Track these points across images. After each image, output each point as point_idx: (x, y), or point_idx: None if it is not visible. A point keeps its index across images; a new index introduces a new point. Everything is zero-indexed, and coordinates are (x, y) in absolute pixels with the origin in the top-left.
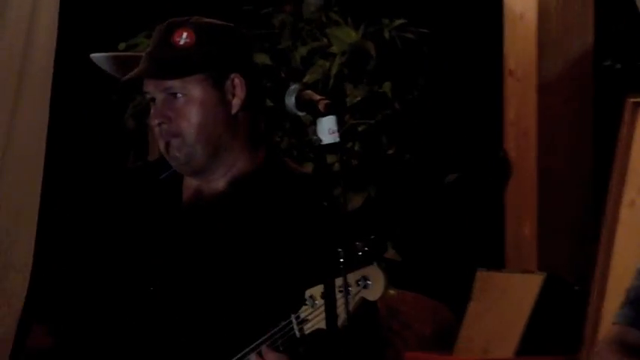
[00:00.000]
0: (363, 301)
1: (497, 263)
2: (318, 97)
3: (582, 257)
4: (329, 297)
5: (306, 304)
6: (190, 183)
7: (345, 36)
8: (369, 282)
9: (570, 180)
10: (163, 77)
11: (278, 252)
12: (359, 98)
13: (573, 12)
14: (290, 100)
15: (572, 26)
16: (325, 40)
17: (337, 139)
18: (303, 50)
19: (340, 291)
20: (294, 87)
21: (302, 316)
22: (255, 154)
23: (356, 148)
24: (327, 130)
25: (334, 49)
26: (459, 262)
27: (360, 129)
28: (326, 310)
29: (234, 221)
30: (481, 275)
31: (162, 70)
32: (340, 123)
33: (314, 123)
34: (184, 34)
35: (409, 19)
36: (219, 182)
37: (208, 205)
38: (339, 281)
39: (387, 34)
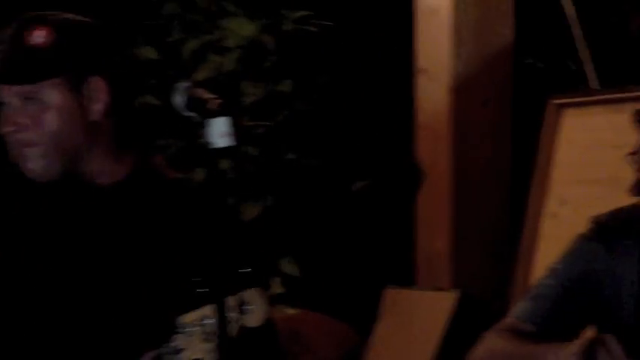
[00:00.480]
0: (243, 328)
1: (408, 280)
2: (209, 95)
3: (500, 273)
4: (220, 320)
5: (179, 333)
6: None
7: (241, 29)
8: (248, 307)
9: (487, 189)
10: (13, 82)
11: (148, 266)
12: (256, 97)
13: (491, 6)
14: (178, 99)
15: (489, 22)
16: (219, 33)
17: (231, 143)
18: (194, 44)
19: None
20: (183, 84)
21: (175, 345)
22: (121, 162)
23: (252, 152)
24: (219, 132)
25: (229, 42)
26: (366, 279)
27: (257, 131)
28: (218, 335)
29: (99, 234)
30: (390, 293)
31: (12, 74)
32: (235, 125)
33: (205, 125)
34: (39, 33)
35: (312, 11)
36: (82, 193)
37: (72, 219)
38: (211, 308)
39: (287, 27)
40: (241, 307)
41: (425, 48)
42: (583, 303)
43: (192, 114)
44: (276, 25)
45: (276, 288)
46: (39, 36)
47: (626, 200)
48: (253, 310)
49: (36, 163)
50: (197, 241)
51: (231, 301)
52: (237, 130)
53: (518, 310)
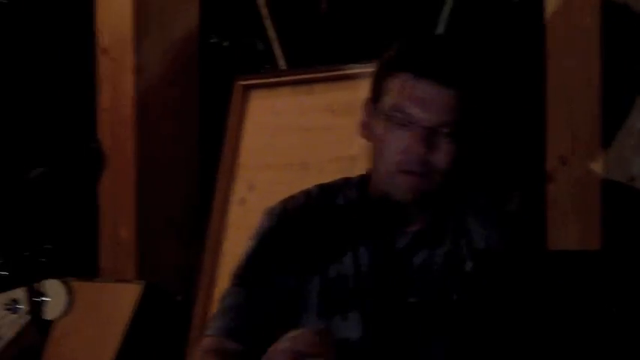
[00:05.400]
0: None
1: (91, 271)
2: None
3: (188, 262)
4: (32, 309)
5: None
6: None
7: None
8: (46, 298)
9: (174, 175)
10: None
11: None
12: None
13: None
14: None
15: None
16: None
17: None
18: None
19: (8, 308)
20: None
21: None
22: None
23: None
24: None
25: None
26: (45, 269)
27: None
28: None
29: None
30: (71, 285)
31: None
32: None
33: None
34: None
35: None
36: None
37: None
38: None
39: None
40: (35, 298)
41: (107, 26)
42: (275, 301)
43: None
44: None
45: None
46: None
47: (314, 184)
48: (52, 301)
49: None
50: None
51: (22, 291)
52: None
53: (216, 328)
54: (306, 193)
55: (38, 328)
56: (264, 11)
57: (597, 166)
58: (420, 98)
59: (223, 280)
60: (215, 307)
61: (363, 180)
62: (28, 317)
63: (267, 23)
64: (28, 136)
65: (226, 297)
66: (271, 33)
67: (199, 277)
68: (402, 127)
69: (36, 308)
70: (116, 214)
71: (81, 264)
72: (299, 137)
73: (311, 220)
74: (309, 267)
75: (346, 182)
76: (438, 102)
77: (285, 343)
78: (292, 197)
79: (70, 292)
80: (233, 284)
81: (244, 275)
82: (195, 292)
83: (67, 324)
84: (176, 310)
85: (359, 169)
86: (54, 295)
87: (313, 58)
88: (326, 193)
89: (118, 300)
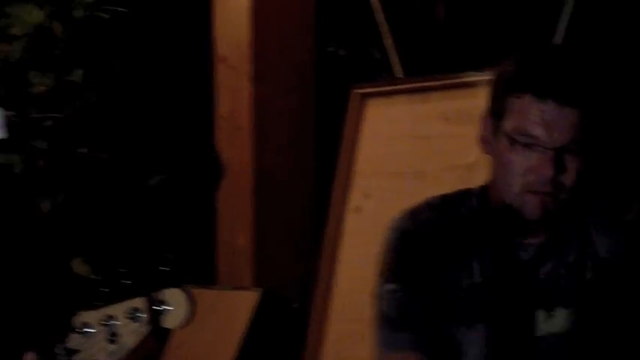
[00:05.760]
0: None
1: (209, 278)
2: None
3: (304, 270)
4: (153, 318)
5: (76, 332)
6: None
7: (29, 15)
8: (167, 307)
9: (290, 183)
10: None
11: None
12: (45, 88)
13: None
14: None
15: (290, 8)
16: (4, 20)
17: (4, 135)
18: None
19: (130, 317)
20: None
21: (69, 346)
22: None
23: (41, 146)
24: None
25: (16, 30)
26: (166, 278)
27: (46, 124)
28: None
29: None
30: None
31: None
32: (21, 116)
33: None
34: None
35: None
36: None
37: None
38: (117, 308)
39: (78, 14)
40: (156, 307)
41: (224, 35)
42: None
43: None
44: (66, 11)
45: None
46: None
47: (430, 193)
48: (173, 309)
49: None
50: None
51: (142, 300)
52: (23, 122)
53: (399, 341)
54: (429, 205)
55: (157, 336)
56: (381, 20)
57: None
58: (545, 120)
59: (339, 288)
60: (331, 313)
61: (484, 190)
62: (149, 326)
63: (384, 32)
64: (148, 144)
65: (387, 304)
66: (388, 41)
67: (316, 285)
68: (527, 148)
69: (156, 317)
70: (234, 222)
71: (199, 271)
72: (415, 145)
73: (438, 232)
74: (440, 277)
75: (467, 193)
76: (562, 123)
77: None
78: (416, 210)
79: (190, 301)
80: (382, 294)
81: (388, 289)
82: (311, 300)
83: (185, 331)
84: (293, 317)
85: (475, 177)
86: (175, 304)
87: (429, 66)
88: (448, 204)
89: (235, 307)
